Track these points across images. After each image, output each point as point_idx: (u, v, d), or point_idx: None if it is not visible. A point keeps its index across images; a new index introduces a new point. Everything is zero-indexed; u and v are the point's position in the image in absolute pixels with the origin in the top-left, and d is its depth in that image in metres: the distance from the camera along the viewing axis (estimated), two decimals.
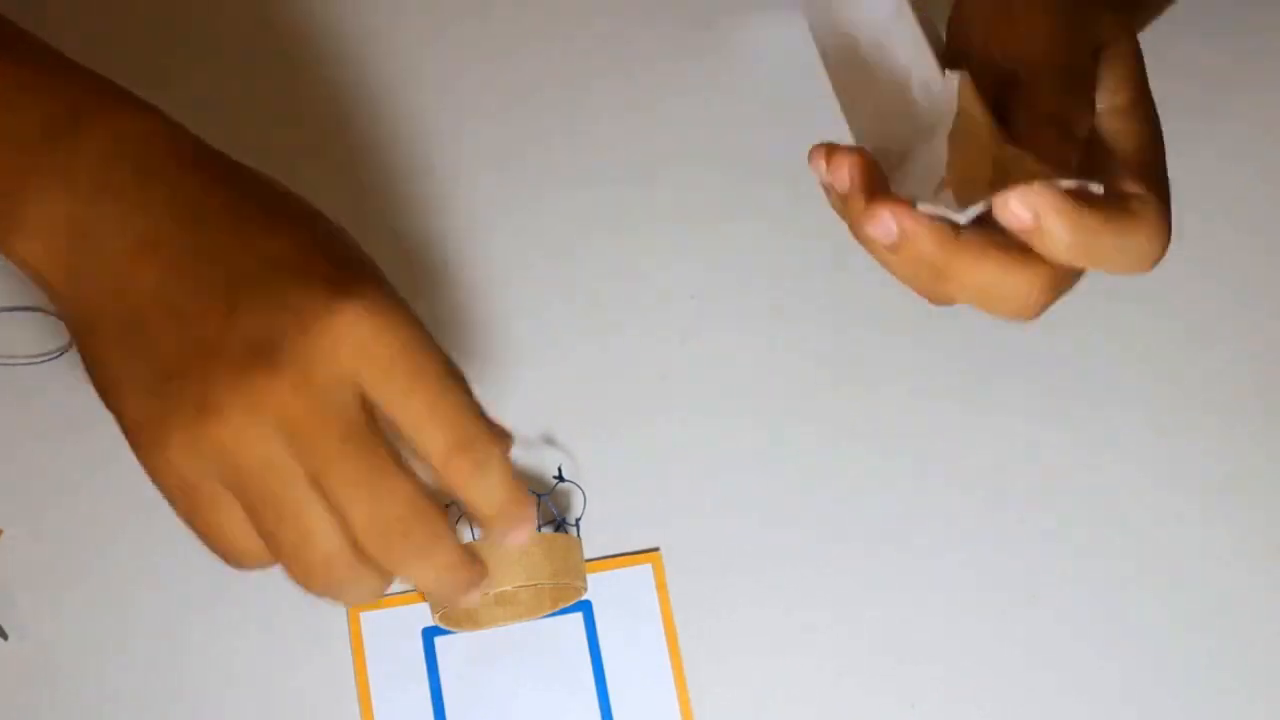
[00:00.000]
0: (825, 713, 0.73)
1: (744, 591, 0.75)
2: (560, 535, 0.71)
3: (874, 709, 0.73)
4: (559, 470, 0.74)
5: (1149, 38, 0.66)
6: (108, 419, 0.75)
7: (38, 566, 0.74)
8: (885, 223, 0.58)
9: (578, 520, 0.74)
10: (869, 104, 0.66)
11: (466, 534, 0.73)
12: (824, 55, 0.69)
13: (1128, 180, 0.60)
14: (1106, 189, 0.57)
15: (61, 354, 0.77)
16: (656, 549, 0.75)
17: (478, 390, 0.56)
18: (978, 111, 0.59)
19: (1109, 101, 0.62)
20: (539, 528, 0.71)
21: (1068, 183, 0.56)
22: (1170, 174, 0.66)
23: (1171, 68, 0.69)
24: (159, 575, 0.74)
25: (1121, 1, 0.65)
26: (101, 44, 0.68)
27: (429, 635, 0.74)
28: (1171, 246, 0.65)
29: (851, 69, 0.67)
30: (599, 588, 0.74)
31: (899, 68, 0.64)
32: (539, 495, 0.73)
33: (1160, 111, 0.64)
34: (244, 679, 0.73)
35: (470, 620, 0.73)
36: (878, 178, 0.59)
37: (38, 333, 0.78)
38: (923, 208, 0.57)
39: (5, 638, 0.73)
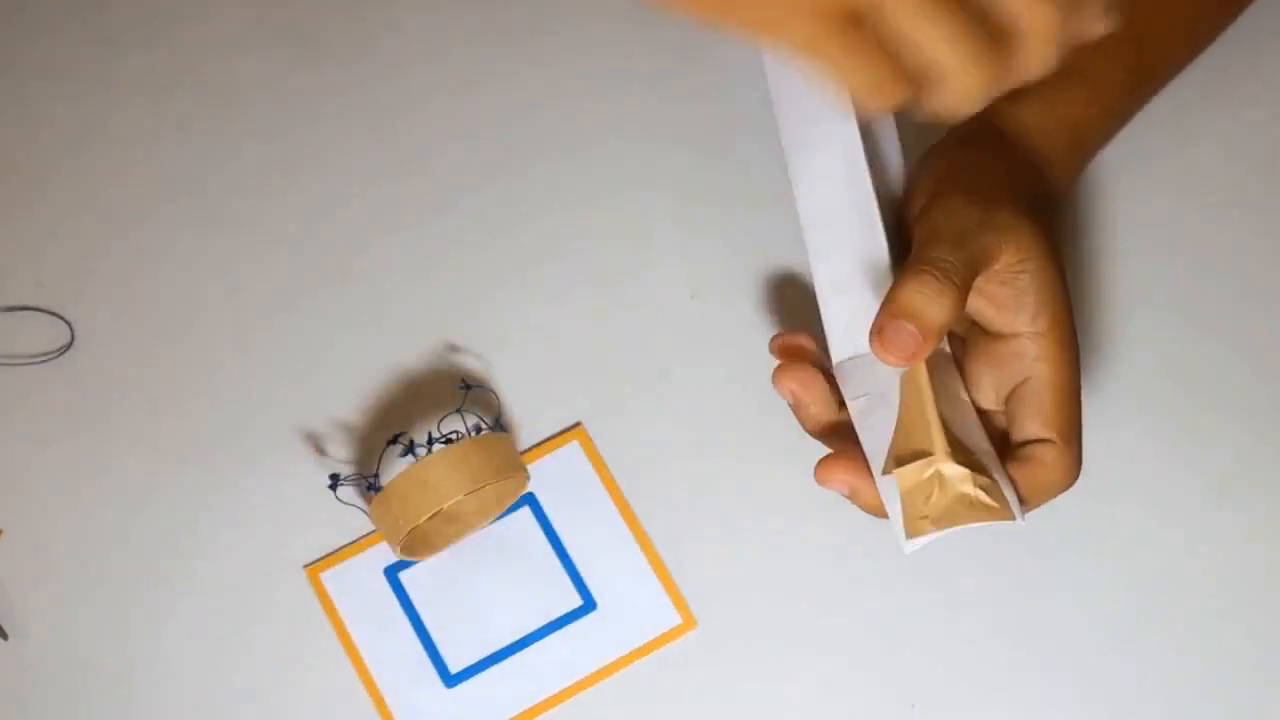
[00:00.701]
0: (825, 713, 0.73)
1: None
2: (490, 434, 0.73)
3: (874, 709, 0.74)
4: (463, 380, 0.76)
5: None
6: (108, 419, 0.77)
7: (38, 566, 0.75)
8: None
9: (498, 420, 0.76)
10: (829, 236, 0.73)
11: (405, 461, 0.75)
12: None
13: (1037, 426, 0.67)
14: (1015, 436, 0.68)
15: (61, 354, 0.77)
16: (578, 424, 0.77)
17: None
18: (925, 394, 0.66)
19: (1029, 323, 0.67)
20: (467, 434, 0.73)
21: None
22: (1173, 173, 0.72)
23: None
24: (158, 575, 0.75)
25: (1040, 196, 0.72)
26: None
27: (391, 573, 0.75)
28: (1173, 245, 0.73)
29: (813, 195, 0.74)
30: (536, 476, 0.75)
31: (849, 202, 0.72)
32: (459, 408, 0.74)
33: (1161, 106, 0.71)
34: (241, 673, 0.74)
35: (426, 546, 0.74)
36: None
37: (38, 333, 0.78)
38: (882, 487, 0.66)
39: (5, 638, 0.74)
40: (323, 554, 0.76)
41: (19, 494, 0.76)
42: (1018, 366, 0.68)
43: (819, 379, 0.70)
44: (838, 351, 0.71)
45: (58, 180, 0.80)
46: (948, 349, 0.70)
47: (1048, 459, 0.67)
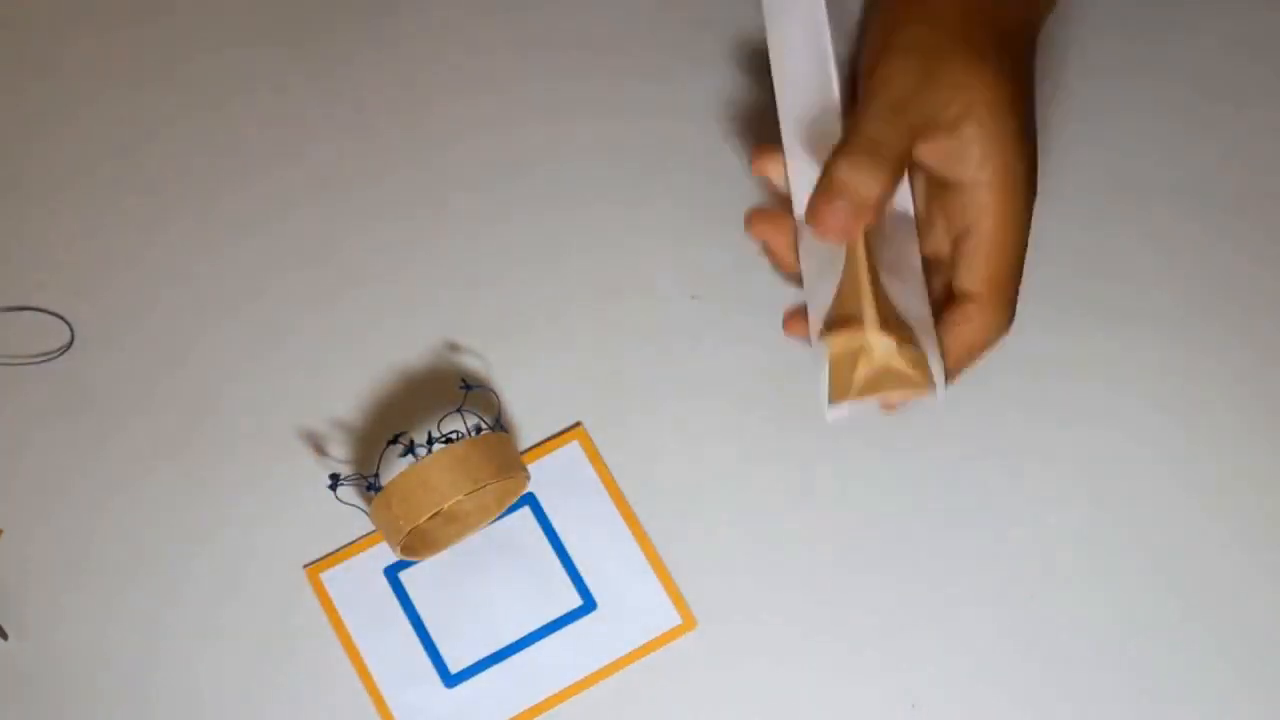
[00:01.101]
0: (825, 712, 0.74)
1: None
2: (490, 434, 0.73)
3: (874, 708, 0.74)
4: (463, 380, 0.76)
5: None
6: (108, 418, 0.77)
7: (38, 566, 0.75)
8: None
9: (498, 420, 0.76)
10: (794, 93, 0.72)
11: (405, 461, 0.75)
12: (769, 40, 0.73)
13: (970, 278, 0.67)
14: (949, 291, 0.67)
15: (61, 354, 0.77)
16: (578, 424, 0.77)
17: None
18: (860, 264, 0.66)
19: (973, 171, 0.66)
20: (467, 434, 0.73)
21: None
22: (1174, 173, 0.70)
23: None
24: (158, 575, 0.75)
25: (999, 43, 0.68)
26: None
27: (392, 573, 0.75)
28: (1176, 246, 0.71)
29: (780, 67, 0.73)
30: (536, 476, 0.76)
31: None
32: (459, 408, 0.74)
33: (1171, 99, 0.69)
34: (241, 673, 0.74)
35: (426, 546, 0.74)
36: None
37: (38, 333, 0.78)
38: (816, 351, 0.67)
39: (5, 638, 0.74)
40: (323, 554, 0.76)
41: (19, 494, 0.76)
42: (962, 215, 0.67)
43: (789, 225, 0.70)
44: (799, 209, 0.70)
45: (58, 181, 0.80)
46: (906, 208, 0.70)
47: (972, 315, 0.67)
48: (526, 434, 0.77)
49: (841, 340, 0.65)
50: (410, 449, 0.73)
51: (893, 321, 0.65)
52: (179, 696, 0.74)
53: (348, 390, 0.77)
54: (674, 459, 0.76)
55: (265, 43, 0.82)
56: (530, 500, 0.76)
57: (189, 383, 0.78)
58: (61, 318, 0.78)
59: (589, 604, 0.75)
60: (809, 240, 0.69)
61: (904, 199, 0.69)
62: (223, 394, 0.77)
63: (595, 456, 0.77)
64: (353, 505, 0.75)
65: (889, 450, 0.76)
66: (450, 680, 0.74)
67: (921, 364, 0.65)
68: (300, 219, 0.80)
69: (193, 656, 0.74)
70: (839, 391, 0.66)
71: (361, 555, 0.75)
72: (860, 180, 0.65)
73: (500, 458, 0.72)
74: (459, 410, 0.74)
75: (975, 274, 0.67)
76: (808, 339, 0.68)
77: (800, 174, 0.70)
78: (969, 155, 0.66)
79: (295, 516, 0.76)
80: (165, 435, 0.77)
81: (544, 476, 0.76)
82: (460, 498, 0.70)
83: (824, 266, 0.68)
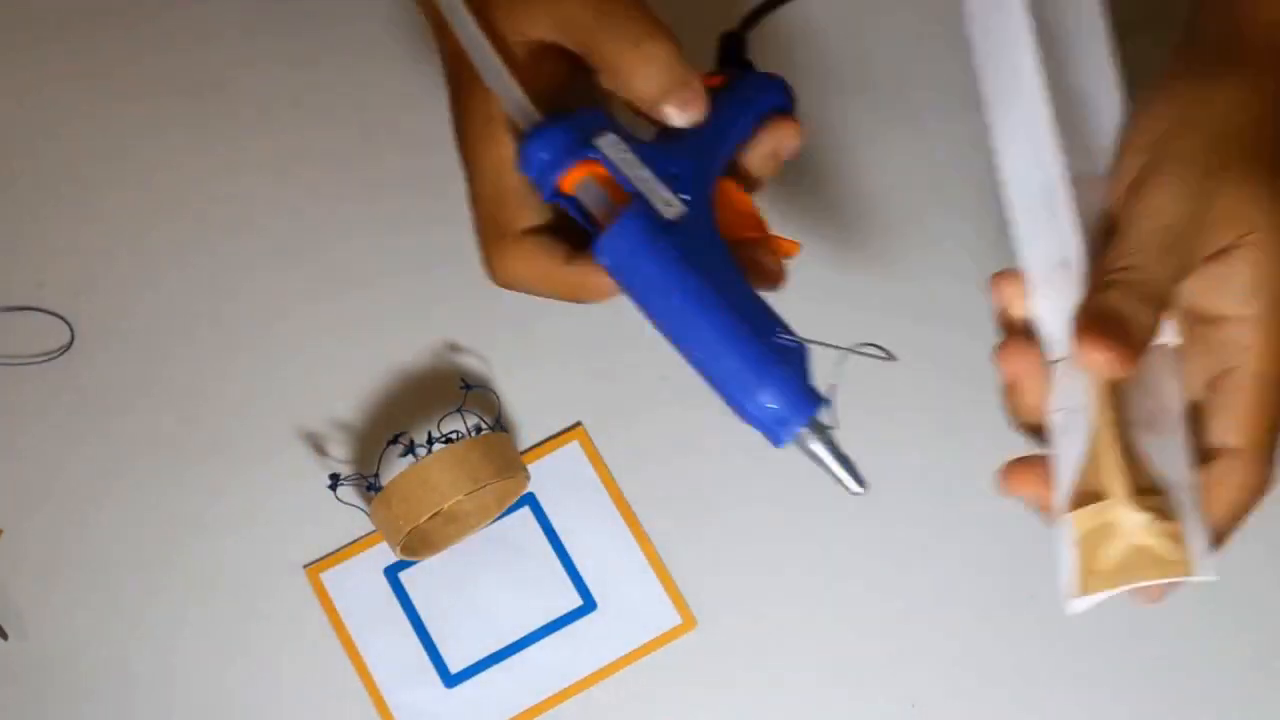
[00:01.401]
0: (825, 712, 0.74)
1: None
2: (490, 434, 0.73)
3: (874, 709, 0.74)
4: (463, 380, 0.76)
5: None
6: (107, 418, 0.77)
7: (37, 566, 0.75)
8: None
9: (498, 420, 0.76)
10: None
11: (405, 461, 0.75)
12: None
13: (1229, 430, 0.57)
14: (1205, 439, 0.57)
15: (61, 354, 0.77)
16: (578, 424, 0.77)
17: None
18: (1106, 424, 0.57)
19: (1237, 306, 0.57)
20: (467, 434, 0.73)
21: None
22: None
23: None
24: (158, 575, 0.75)
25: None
26: None
27: (392, 573, 0.75)
28: None
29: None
30: (536, 476, 0.76)
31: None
32: (459, 408, 0.74)
33: None
34: (241, 673, 0.74)
35: (426, 546, 0.74)
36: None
37: (38, 333, 0.78)
38: (1059, 528, 0.57)
39: (5, 638, 0.74)
40: (323, 554, 0.76)
41: (19, 494, 0.76)
42: (1222, 355, 0.57)
43: (1040, 365, 0.59)
44: (1046, 349, 0.60)
45: (58, 181, 0.80)
46: (1169, 342, 0.59)
47: (1233, 473, 0.57)
48: (526, 434, 0.77)
49: (1088, 517, 0.56)
50: (410, 449, 0.74)
51: (1150, 489, 0.56)
52: (178, 695, 0.74)
53: (348, 390, 0.77)
54: (674, 459, 0.76)
55: (271, 47, 0.82)
56: (530, 500, 0.76)
57: (189, 383, 0.78)
58: (61, 318, 0.78)
59: (589, 604, 0.75)
60: (1061, 388, 0.59)
61: (1164, 330, 0.59)
62: (223, 394, 0.77)
63: (595, 456, 0.77)
64: (353, 505, 0.75)
65: (890, 450, 0.76)
66: (450, 680, 0.74)
67: (1179, 539, 0.55)
68: (300, 219, 0.80)
69: (193, 656, 0.74)
70: (1086, 583, 0.56)
71: (361, 555, 0.75)
72: (1124, 316, 0.55)
73: (500, 458, 0.72)
74: (459, 410, 0.74)
75: (1236, 424, 0.57)
76: (1033, 500, 0.59)
77: (1042, 308, 0.60)
78: (1235, 286, 0.56)
79: (295, 516, 0.76)
80: (165, 435, 0.77)
81: (544, 476, 0.76)
82: (460, 498, 0.70)
83: (1071, 422, 0.58)
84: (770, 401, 0.57)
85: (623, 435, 0.77)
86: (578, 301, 0.62)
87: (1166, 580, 0.55)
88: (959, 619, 0.75)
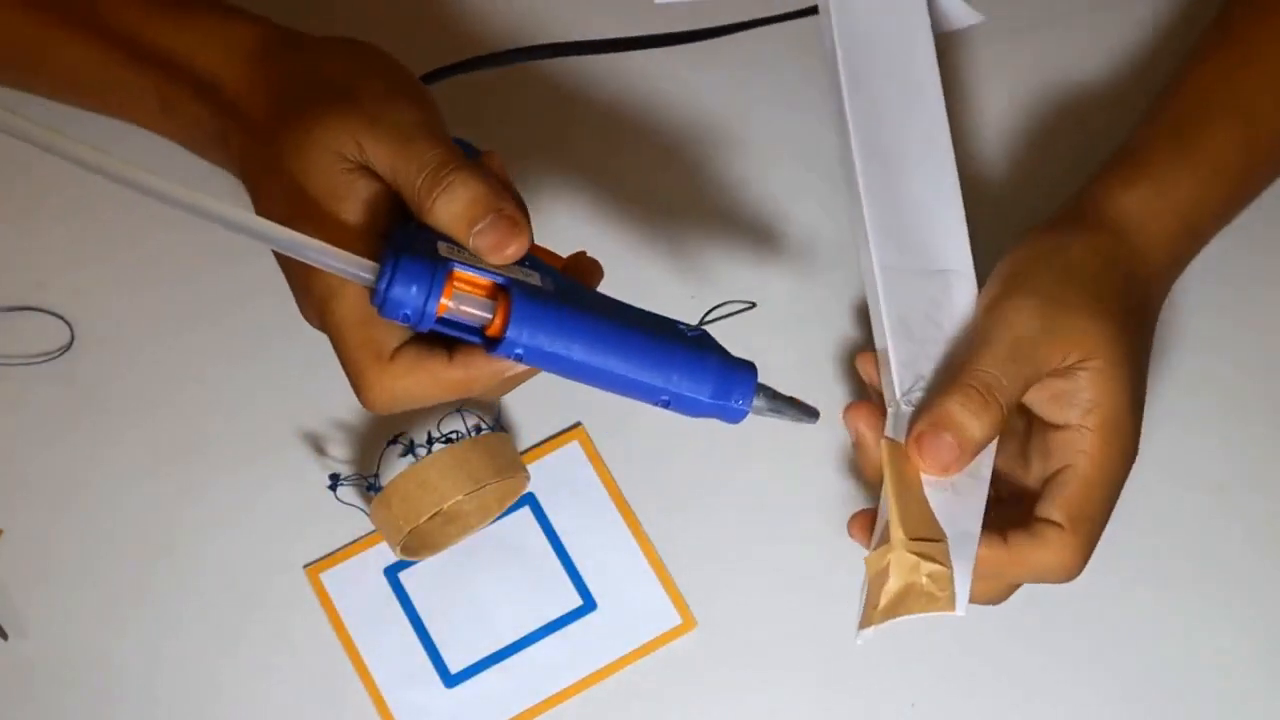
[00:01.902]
0: (825, 712, 0.74)
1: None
2: (490, 434, 0.73)
3: (874, 709, 0.74)
4: None
5: None
6: (107, 419, 0.77)
7: (38, 566, 0.75)
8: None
9: (498, 420, 0.76)
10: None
11: (405, 461, 0.75)
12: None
13: (1054, 509, 0.66)
14: (1029, 511, 0.67)
15: (61, 354, 0.77)
16: (578, 424, 0.77)
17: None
18: (889, 479, 0.66)
19: (1079, 417, 0.67)
20: (467, 434, 0.73)
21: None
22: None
23: None
24: (157, 575, 0.75)
25: (1135, 306, 0.69)
26: None
27: (391, 573, 0.75)
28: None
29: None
30: (536, 476, 0.75)
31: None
32: (459, 408, 0.74)
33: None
34: (241, 673, 0.74)
35: (427, 546, 0.74)
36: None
37: (38, 333, 0.78)
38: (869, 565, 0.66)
39: (5, 638, 0.74)
40: (323, 554, 0.76)
41: (19, 494, 0.76)
42: (1061, 454, 0.67)
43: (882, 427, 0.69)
44: (889, 399, 0.70)
45: (58, 180, 0.80)
46: None
47: (1050, 540, 0.66)
48: (526, 434, 0.77)
49: (876, 559, 0.64)
50: (410, 449, 0.74)
51: (923, 538, 0.64)
52: (179, 696, 0.74)
53: (348, 390, 0.77)
54: (674, 459, 0.76)
55: None
56: (530, 500, 0.76)
57: (189, 383, 0.78)
58: (61, 318, 0.78)
59: (589, 604, 0.75)
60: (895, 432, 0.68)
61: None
62: (223, 394, 0.77)
63: (595, 456, 0.77)
64: (353, 505, 0.75)
65: None
66: (450, 680, 0.74)
67: (944, 581, 0.64)
68: None
69: (192, 656, 0.74)
70: (869, 614, 0.64)
71: (361, 555, 0.75)
72: (969, 419, 0.65)
73: (500, 458, 0.72)
74: (459, 410, 0.74)
75: (1060, 506, 0.66)
76: (856, 435, 0.69)
77: (898, 370, 0.69)
78: (1078, 401, 0.66)
79: (295, 516, 0.76)
80: (165, 435, 0.77)
81: (544, 476, 0.76)
82: (460, 498, 0.70)
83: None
84: (719, 390, 0.61)
85: (623, 435, 0.77)
86: (463, 398, 0.63)
87: (932, 611, 0.64)
88: (959, 619, 0.74)
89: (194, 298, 0.79)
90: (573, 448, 0.77)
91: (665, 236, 0.79)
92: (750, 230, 0.79)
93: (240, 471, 0.76)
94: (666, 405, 0.62)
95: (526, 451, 0.76)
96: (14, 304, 0.78)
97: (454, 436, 0.72)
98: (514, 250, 0.60)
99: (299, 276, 0.64)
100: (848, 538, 0.75)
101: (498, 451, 0.72)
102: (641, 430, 0.77)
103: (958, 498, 0.66)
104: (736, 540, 0.75)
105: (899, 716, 0.74)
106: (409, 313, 0.59)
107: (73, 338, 0.78)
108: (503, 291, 0.60)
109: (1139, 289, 0.70)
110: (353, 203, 0.62)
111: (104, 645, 0.74)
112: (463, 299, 0.59)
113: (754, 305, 0.65)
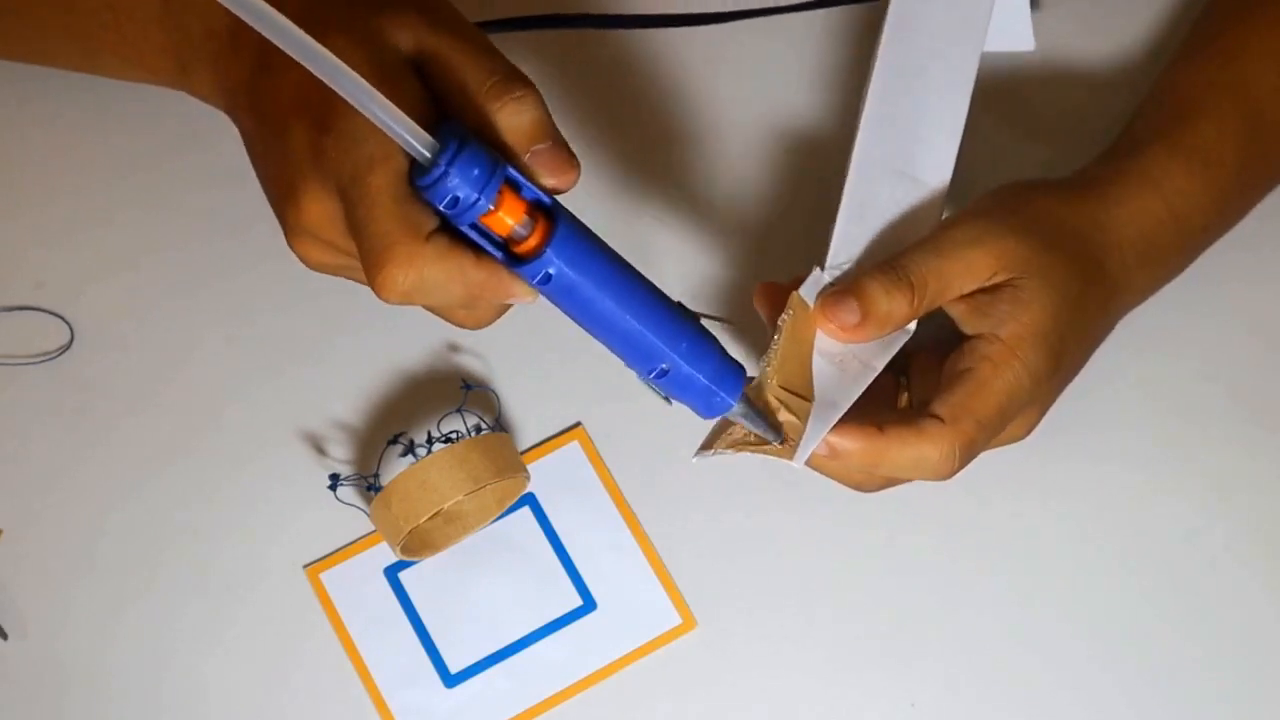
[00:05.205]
0: (825, 712, 0.74)
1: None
2: (490, 434, 0.73)
3: (874, 709, 0.74)
4: (463, 380, 0.76)
5: None
6: (107, 418, 0.77)
7: (37, 566, 0.75)
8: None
9: (498, 420, 0.76)
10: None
11: (405, 461, 0.75)
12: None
13: (940, 405, 0.66)
14: (919, 406, 0.68)
15: (61, 354, 0.77)
16: (578, 424, 0.77)
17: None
18: (785, 329, 0.67)
19: (993, 327, 0.67)
20: (467, 434, 0.73)
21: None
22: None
23: None
24: (157, 575, 0.75)
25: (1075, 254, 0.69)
26: None
27: (392, 573, 0.75)
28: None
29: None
30: (536, 476, 0.75)
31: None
32: (459, 408, 0.74)
33: None
34: (241, 673, 0.74)
35: (427, 546, 0.74)
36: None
37: (38, 333, 0.78)
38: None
39: (5, 638, 0.74)
40: (323, 554, 0.76)
41: (19, 494, 0.76)
42: (967, 360, 0.67)
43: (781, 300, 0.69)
44: (829, 264, 0.70)
45: (58, 180, 0.80)
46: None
47: (927, 432, 0.66)
48: (526, 434, 0.77)
49: (751, 392, 0.66)
50: (410, 449, 0.74)
51: (793, 391, 0.66)
52: (178, 696, 0.74)
53: (348, 390, 0.77)
54: (674, 459, 0.76)
55: None
56: (530, 500, 0.76)
57: (188, 382, 0.78)
58: (61, 318, 0.78)
59: (589, 604, 0.75)
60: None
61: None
62: (222, 394, 0.77)
63: (595, 456, 0.77)
64: (353, 505, 0.75)
65: None
66: (450, 680, 0.74)
67: (795, 432, 0.66)
68: None
69: (192, 656, 0.74)
70: (709, 440, 0.66)
71: (361, 555, 0.75)
72: (881, 296, 0.66)
73: (500, 458, 0.72)
74: (459, 410, 0.74)
75: (945, 401, 0.66)
76: (767, 318, 0.69)
77: (835, 243, 0.70)
78: (995, 312, 0.67)
79: (295, 517, 0.76)
80: (165, 435, 0.77)
81: (544, 476, 0.76)
82: (460, 498, 0.71)
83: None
84: (716, 376, 0.63)
85: (623, 435, 0.77)
86: (473, 307, 0.62)
87: (771, 458, 0.66)
88: (959, 619, 0.75)
89: (194, 298, 0.79)
90: (573, 448, 0.77)
91: (659, 213, 0.79)
92: (751, 230, 0.80)
93: (240, 471, 0.76)
94: (660, 376, 0.62)
95: (526, 451, 0.76)
96: (14, 304, 0.78)
97: (454, 436, 0.73)
98: (572, 178, 0.60)
99: (333, 146, 0.59)
100: (848, 537, 0.75)
101: (498, 451, 0.72)
102: (641, 430, 0.77)
103: (841, 376, 0.67)
104: (736, 540, 0.75)
105: (899, 716, 0.74)
106: (460, 197, 0.56)
107: (72, 338, 0.78)
108: (542, 214, 0.59)
109: (1094, 250, 0.70)
110: (406, 89, 0.59)
111: (104, 645, 0.74)
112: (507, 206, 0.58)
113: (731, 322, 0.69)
